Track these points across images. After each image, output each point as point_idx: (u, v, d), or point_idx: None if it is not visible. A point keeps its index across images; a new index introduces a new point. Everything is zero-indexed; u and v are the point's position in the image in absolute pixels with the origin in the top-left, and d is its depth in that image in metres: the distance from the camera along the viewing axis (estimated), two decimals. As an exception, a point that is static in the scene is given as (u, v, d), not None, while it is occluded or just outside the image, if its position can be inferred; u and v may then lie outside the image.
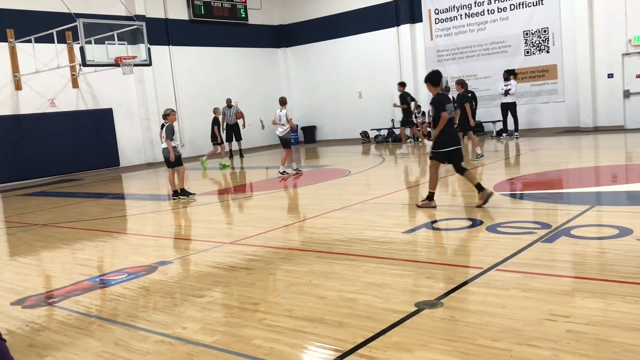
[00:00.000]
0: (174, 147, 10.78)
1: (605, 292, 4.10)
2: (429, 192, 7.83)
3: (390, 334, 3.69)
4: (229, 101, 19.47)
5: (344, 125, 24.02)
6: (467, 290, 4.39)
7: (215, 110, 18.57)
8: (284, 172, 13.18)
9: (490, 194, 7.55)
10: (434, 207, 7.76)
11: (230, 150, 19.83)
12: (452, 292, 4.35)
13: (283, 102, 13.20)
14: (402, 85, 17.59)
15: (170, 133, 10.67)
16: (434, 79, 7.83)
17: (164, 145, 10.77)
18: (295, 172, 13.43)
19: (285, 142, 13.17)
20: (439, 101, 7.71)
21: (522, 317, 3.77)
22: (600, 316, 3.69)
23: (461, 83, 13.08)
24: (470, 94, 18.23)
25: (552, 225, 6.17)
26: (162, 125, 10.88)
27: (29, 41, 17.03)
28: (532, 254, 5.23)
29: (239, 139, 19.47)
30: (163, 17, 21.36)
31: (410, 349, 3.43)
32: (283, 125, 12.95)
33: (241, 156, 19.77)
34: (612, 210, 7.11)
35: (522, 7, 19.14)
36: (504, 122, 17.49)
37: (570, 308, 3.86)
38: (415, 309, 4.08)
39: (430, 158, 7.91)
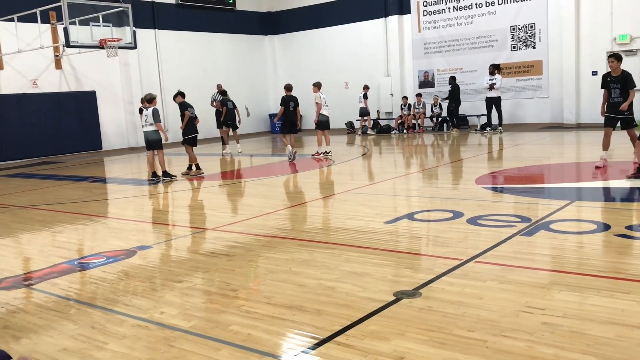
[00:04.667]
0: (157, 131, 11.05)
1: (582, 286, 4.15)
2: (194, 164, 11.78)
3: (368, 323, 3.70)
4: (219, 87, 19.25)
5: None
6: (446, 281, 4.41)
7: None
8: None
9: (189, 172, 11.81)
10: (201, 175, 11.61)
11: (222, 137, 19.51)
12: (430, 283, 4.37)
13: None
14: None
15: (159, 116, 11.05)
16: (181, 93, 12.13)
17: (152, 128, 10.97)
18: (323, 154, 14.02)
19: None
20: (184, 105, 11.84)
21: (498, 308, 3.80)
22: (575, 309, 3.74)
23: (221, 90, 16.00)
24: (453, 87, 18.41)
25: (532, 219, 6.23)
26: (141, 110, 11.28)
27: (12, 20, 16.71)
28: (511, 247, 5.27)
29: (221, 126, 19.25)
30: (149, -1, 21.10)
31: (387, 337, 3.45)
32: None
33: (224, 143, 19.53)
34: (592, 205, 7.19)
35: (510, 2, 19.19)
36: (488, 116, 17.56)
37: (547, 300, 3.90)
38: (393, 298, 4.10)
39: (182, 143, 12.01)
